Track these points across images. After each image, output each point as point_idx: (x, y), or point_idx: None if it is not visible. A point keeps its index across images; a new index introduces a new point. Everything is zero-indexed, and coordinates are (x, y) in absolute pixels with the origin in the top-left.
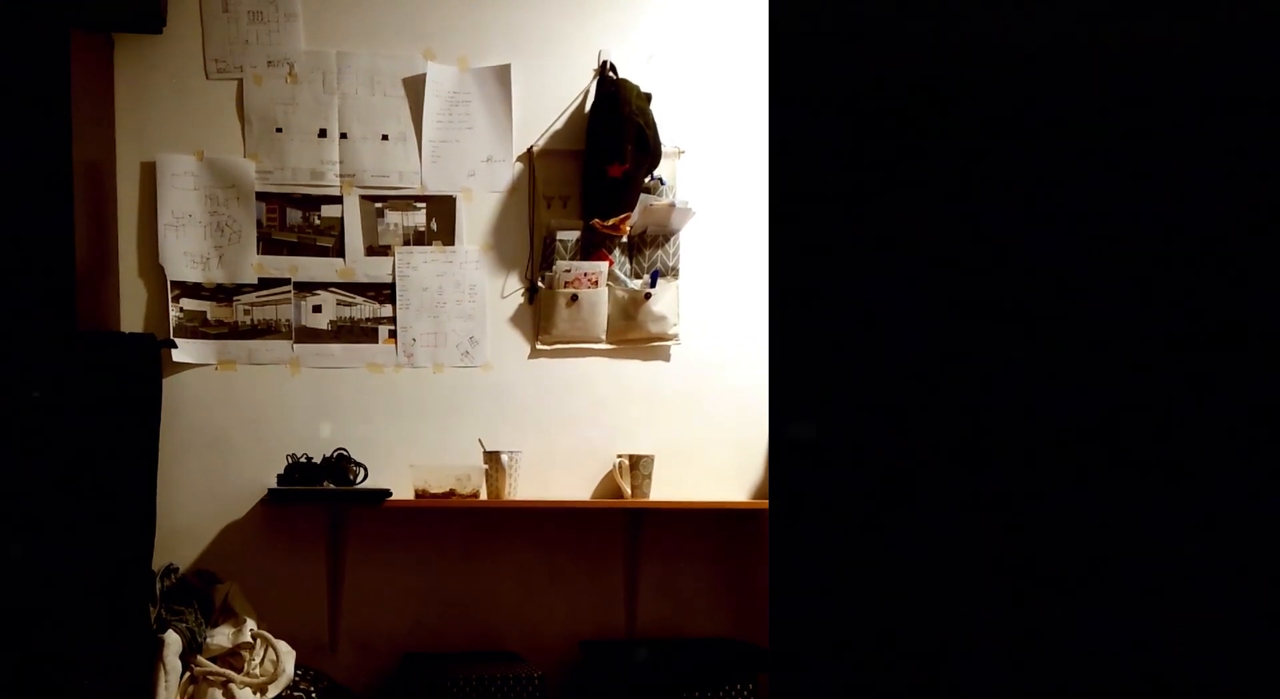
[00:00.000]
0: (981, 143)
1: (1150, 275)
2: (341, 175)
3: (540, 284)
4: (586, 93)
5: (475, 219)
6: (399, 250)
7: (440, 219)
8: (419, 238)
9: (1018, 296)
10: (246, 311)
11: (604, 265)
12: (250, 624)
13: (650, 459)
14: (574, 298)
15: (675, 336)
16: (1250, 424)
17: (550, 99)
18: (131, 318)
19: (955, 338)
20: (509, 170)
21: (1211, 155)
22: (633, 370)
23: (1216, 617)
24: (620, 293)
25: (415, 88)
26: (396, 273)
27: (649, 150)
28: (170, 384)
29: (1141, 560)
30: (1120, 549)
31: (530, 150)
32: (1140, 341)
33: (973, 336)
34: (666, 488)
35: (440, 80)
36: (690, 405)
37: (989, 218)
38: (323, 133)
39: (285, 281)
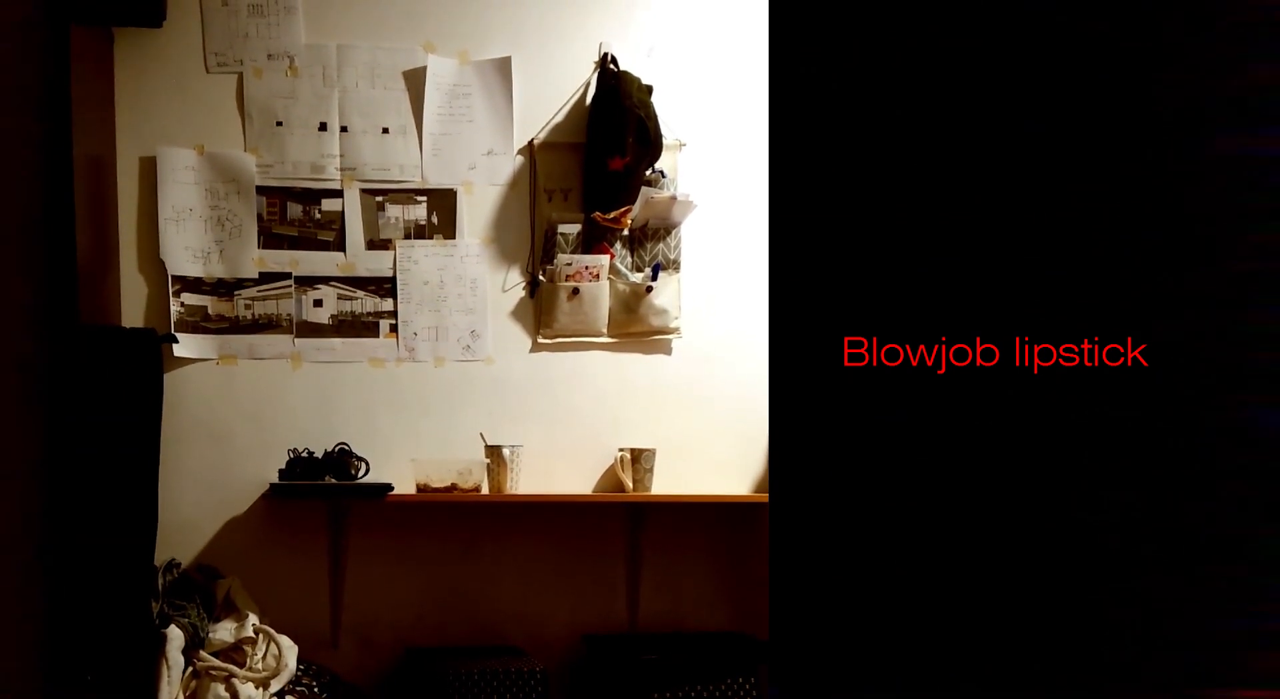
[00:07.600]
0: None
1: None
2: (342, 169)
3: (541, 277)
4: (587, 85)
5: (476, 212)
6: (400, 244)
7: (441, 212)
8: (420, 231)
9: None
10: (247, 306)
11: (605, 258)
12: (252, 619)
13: (652, 453)
14: (575, 291)
15: (677, 330)
16: None
17: (551, 92)
18: (132, 313)
19: (954, 330)
20: (510, 163)
21: None
22: (634, 364)
23: None
24: (621, 286)
25: (416, 81)
26: (397, 267)
27: (650, 143)
28: (171, 379)
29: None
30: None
31: (531, 143)
32: None
33: (972, 333)
34: (668, 481)
35: (441, 73)
36: (692, 399)
37: (989, 216)
38: (323, 126)
39: (286, 276)
